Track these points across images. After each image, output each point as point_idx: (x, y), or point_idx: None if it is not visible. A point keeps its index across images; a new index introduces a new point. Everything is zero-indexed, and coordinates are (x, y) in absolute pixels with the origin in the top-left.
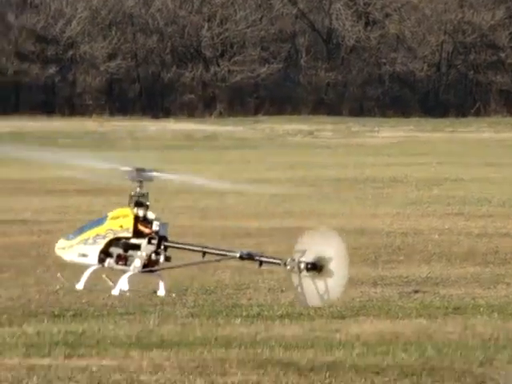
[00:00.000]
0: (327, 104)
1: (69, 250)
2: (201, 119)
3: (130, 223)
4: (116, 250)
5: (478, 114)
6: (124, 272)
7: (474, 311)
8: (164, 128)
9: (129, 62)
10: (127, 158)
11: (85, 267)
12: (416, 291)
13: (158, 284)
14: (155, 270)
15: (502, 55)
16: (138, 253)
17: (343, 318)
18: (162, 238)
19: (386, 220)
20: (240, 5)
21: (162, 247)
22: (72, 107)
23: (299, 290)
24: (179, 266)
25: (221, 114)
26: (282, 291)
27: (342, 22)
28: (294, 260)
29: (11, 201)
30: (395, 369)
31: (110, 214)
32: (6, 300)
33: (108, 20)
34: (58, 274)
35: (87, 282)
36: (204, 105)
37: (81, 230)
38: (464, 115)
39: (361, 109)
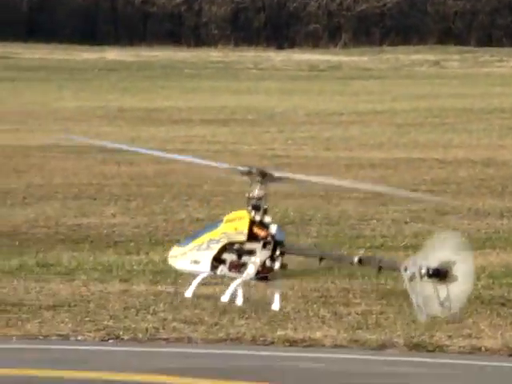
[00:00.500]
0: (454, 33)
1: (181, 257)
2: (325, 49)
3: (244, 226)
4: (229, 256)
5: None
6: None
7: None
8: (289, 58)
9: None
10: (252, 88)
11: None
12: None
13: (272, 296)
14: (268, 279)
15: None
16: (252, 258)
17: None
18: (279, 243)
19: None
20: None
21: (278, 253)
22: (198, 37)
23: (418, 299)
24: (295, 276)
25: (346, 45)
26: (406, 222)
27: None
28: (415, 265)
29: (137, 130)
30: None
31: (226, 218)
32: (133, 228)
33: None
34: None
35: (196, 290)
36: (329, 35)
37: (194, 236)
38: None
39: (489, 38)
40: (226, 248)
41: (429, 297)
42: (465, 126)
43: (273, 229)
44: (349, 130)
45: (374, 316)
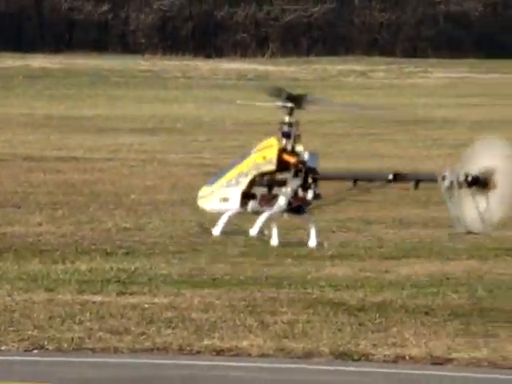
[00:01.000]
0: (380, 44)
1: (209, 197)
2: (253, 59)
3: (273, 153)
4: (259, 190)
5: None
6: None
7: None
8: (216, 67)
9: (182, 0)
10: (180, 97)
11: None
12: (468, 232)
13: (308, 232)
14: (303, 211)
15: None
16: (283, 189)
17: (393, 258)
18: (311, 171)
19: (438, 161)
20: None
21: (311, 181)
22: (125, 45)
23: (456, 210)
24: (330, 204)
25: (273, 54)
26: (333, 232)
27: None
28: (453, 173)
29: (64, 138)
30: (445, 309)
31: (256, 147)
32: (59, 237)
33: None
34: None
35: (225, 227)
36: (256, 44)
37: (223, 171)
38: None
39: (414, 49)
40: (255, 181)
41: (468, 207)
42: (391, 137)
43: (304, 155)
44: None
45: (301, 325)
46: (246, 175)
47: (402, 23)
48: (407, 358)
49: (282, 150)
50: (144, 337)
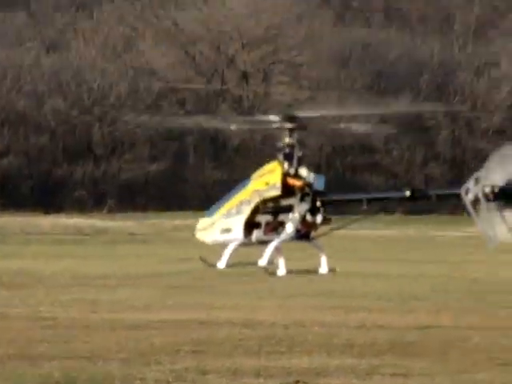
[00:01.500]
0: (214, 199)
1: (210, 229)
2: (91, 214)
3: (277, 178)
4: (264, 218)
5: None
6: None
7: None
8: (55, 223)
9: (21, 160)
10: (19, 252)
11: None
12: (297, 381)
13: (319, 258)
14: (310, 237)
15: (377, 157)
16: (290, 215)
17: None
18: (319, 193)
19: (269, 312)
20: (129, 107)
21: (319, 204)
22: None
23: (483, 225)
24: (340, 228)
25: (111, 210)
26: (168, 382)
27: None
28: (477, 185)
29: None
30: None
31: (255, 174)
32: None
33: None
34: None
35: (230, 260)
36: (95, 200)
37: (222, 202)
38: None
39: None
40: (259, 208)
41: (496, 221)
42: (225, 289)
43: (310, 177)
44: (116, 293)
45: None
46: (249, 203)
47: (233, 180)
48: None
49: (286, 174)
50: None
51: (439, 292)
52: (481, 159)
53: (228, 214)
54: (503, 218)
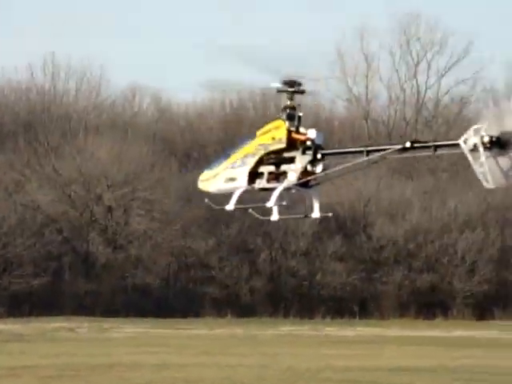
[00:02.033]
0: (85, 306)
1: (213, 179)
2: None
3: (282, 133)
4: (267, 168)
5: (197, 315)
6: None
7: None
8: None
9: None
10: None
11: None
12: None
13: (311, 204)
14: (310, 185)
15: (213, 272)
16: (292, 166)
17: None
18: (319, 147)
19: None
20: (18, 234)
21: (320, 156)
22: None
23: (482, 169)
24: (337, 176)
25: (2, 316)
26: None
27: (96, 246)
28: (475, 135)
29: None
30: None
31: (259, 131)
32: None
33: None
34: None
35: (238, 203)
36: None
37: (224, 156)
38: (186, 316)
39: (110, 311)
40: (262, 160)
41: (491, 166)
42: (95, 379)
43: (312, 133)
44: (1, 382)
45: None
46: (253, 155)
47: (100, 292)
48: None
49: (290, 130)
50: None
51: (260, 379)
52: (292, 274)
53: (232, 166)
54: (498, 162)
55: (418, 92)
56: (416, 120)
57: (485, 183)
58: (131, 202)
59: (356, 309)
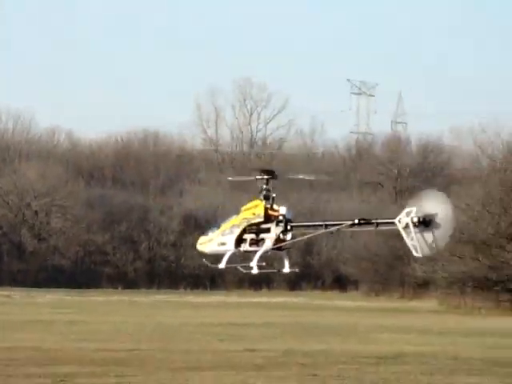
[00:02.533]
0: (18, 281)
1: (208, 243)
2: None
3: (261, 210)
4: (249, 236)
5: (97, 287)
6: (256, 252)
7: None
8: None
9: None
10: None
11: (224, 253)
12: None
13: (283, 262)
14: (282, 248)
15: (108, 257)
16: (268, 234)
17: None
18: (289, 220)
19: None
20: None
21: (289, 227)
22: None
23: (412, 242)
24: (303, 239)
25: None
26: None
27: (26, 238)
28: (407, 216)
29: None
30: None
31: (243, 208)
32: None
33: None
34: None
35: (227, 262)
36: None
37: (217, 226)
38: (89, 288)
39: (36, 283)
40: (245, 230)
41: (419, 240)
42: (20, 330)
43: (283, 210)
44: None
45: None
46: (239, 226)
47: (29, 270)
48: None
49: (266, 208)
50: None
51: (140, 331)
52: (164, 259)
53: (223, 233)
54: (424, 237)
55: (251, 134)
56: (250, 153)
57: (414, 252)
58: (51, 207)
59: (208, 283)
